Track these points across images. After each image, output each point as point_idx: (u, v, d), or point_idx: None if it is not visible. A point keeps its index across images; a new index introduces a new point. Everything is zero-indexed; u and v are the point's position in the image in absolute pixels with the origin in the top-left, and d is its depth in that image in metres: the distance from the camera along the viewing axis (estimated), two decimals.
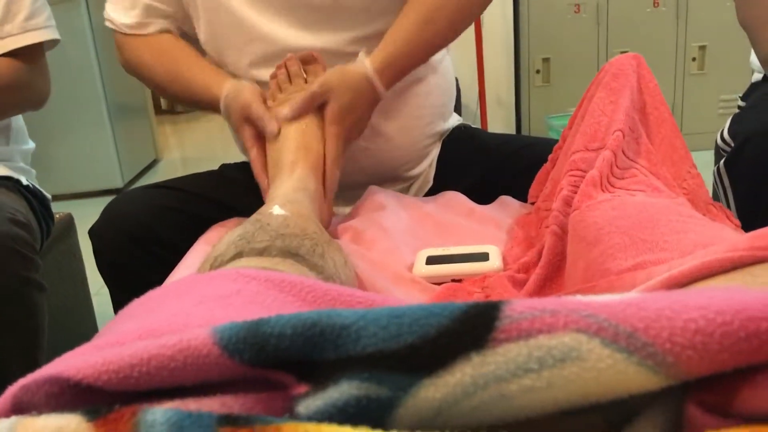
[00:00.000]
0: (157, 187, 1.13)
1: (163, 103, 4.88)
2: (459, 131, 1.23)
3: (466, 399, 0.29)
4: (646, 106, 0.91)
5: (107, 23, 1.18)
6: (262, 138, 1.00)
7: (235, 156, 1.24)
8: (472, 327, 0.30)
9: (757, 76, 1.35)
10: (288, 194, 0.87)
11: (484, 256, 0.87)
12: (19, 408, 0.32)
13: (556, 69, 3.09)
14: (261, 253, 0.66)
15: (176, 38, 1.16)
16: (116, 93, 3.36)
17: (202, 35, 1.13)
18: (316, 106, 0.98)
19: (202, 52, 1.15)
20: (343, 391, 0.29)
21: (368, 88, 0.99)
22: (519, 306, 0.30)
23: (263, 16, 1.07)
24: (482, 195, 1.09)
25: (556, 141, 1.01)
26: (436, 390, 0.29)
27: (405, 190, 1.18)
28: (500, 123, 3.37)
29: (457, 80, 1.50)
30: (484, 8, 1.07)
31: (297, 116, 0.97)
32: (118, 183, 3.36)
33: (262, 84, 1.11)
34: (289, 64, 1.04)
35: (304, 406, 0.30)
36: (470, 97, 3.23)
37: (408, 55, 1.01)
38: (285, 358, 0.31)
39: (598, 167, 0.80)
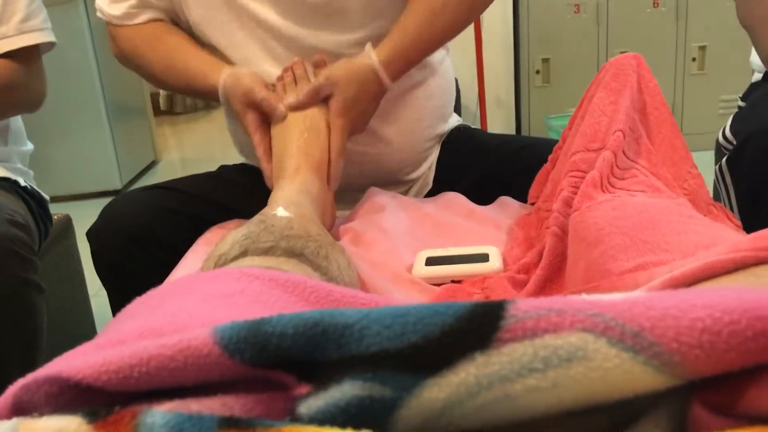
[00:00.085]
0: (155, 189, 1.12)
1: (162, 104, 4.88)
2: (458, 132, 1.22)
3: (470, 399, 0.29)
4: (647, 106, 0.91)
5: (98, 14, 1.17)
6: (265, 123, 1.00)
7: (234, 157, 1.24)
8: (476, 326, 0.30)
9: (757, 76, 1.35)
10: (291, 197, 0.87)
11: (483, 257, 0.86)
12: (20, 408, 0.32)
13: (555, 69, 3.09)
14: (266, 252, 0.66)
15: (169, 26, 1.14)
16: (115, 94, 3.36)
17: (197, 28, 1.12)
18: (321, 98, 0.98)
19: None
20: (345, 391, 0.29)
21: (374, 80, 0.99)
22: (524, 305, 0.30)
23: (261, 12, 1.06)
24: (482, 195, 1.09)
25: (556, 141, 1.00)
26: (440, 390, 0.29)
27: (405, 193, 1.17)
28: (500, 123, 3.37)
29: (456, 81, 1.50)
30: (487, 4, 1.07)
31: (301, 107, 0.97)
32: (117, 184, 3.35)
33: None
34: (295, 67, 1.03)
35: (306, 407, 0.30)
36: (470, 98, 3.23)
37: (414, 48, 1.01)
38: (286, 358, 0.30)
39: (599, 168, 0.80)
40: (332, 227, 0.98)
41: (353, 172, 1.05)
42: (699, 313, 0.29)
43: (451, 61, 1.25)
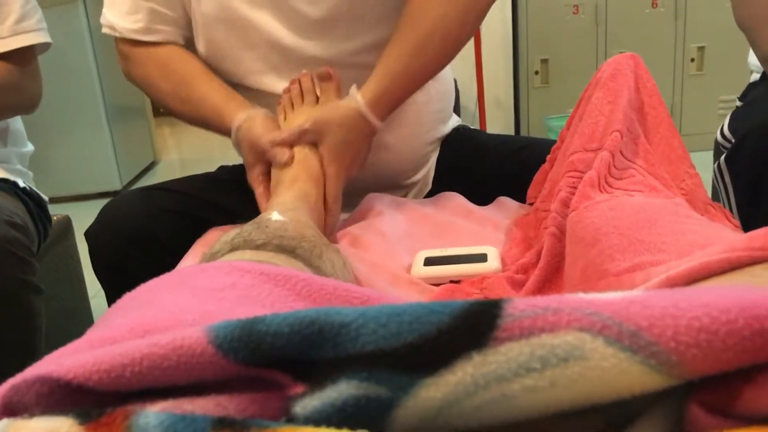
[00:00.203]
0: (153, 189, 1.12)
1: None
2: (458, 132, 1.22)
3: (467, 399, 0.29)
4: (644, 106, 0.91)
5: (106, 30, 1.14)
6: (269, 176, 0.99)
7: (233, 158, 1.24)
8: (473, 325, 0.29)
9: (755, 76, 1.35)
10: (287, 203, 0.87)
11: (482, 257, 0.86)
12: (10, 408, 0.32)
13: (554, 70, 3.09)
14: (257, 248, 0.65)
15: (183, 51, 1.12)
16: (114, 95, 3.36)
17: (200, 44, 1.11)
18: (306, 142, 0.96)
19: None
20: (341, 390, 0.29)
21: (362, 122, 0.97)
22: (521, 304, 0.30)
23: (261, 22, 1.06)
24: (481, 196, 1.08)
25: (555, 142, 1.00)
26: (436, 389, 0.29)
27: (404, 195, 1.17)
28: (499, 124, 3.37)
29: (455, 81, 1.50)
30: (471, 36, 1.05)
31: (284, 144, 0.95)
32: (116, 185, 3.35)
33: (259, 93, 1.10)
34: (303, 79, 1.03)
35: (301, 407, 0.30)
36: (469, 99, 3.23)
37: (399, 86, 1.00)
38: (281, 357, 0.30)
39: (596, 168, 0.80)
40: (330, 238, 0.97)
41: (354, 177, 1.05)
42: (696, 312, 0.28)
43: (450, 63, 1.24)
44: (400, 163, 1.14)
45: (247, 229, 0.70)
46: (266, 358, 0.30)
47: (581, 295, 0.31)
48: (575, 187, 0.80)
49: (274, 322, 0.30)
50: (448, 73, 1.21)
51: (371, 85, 0.98)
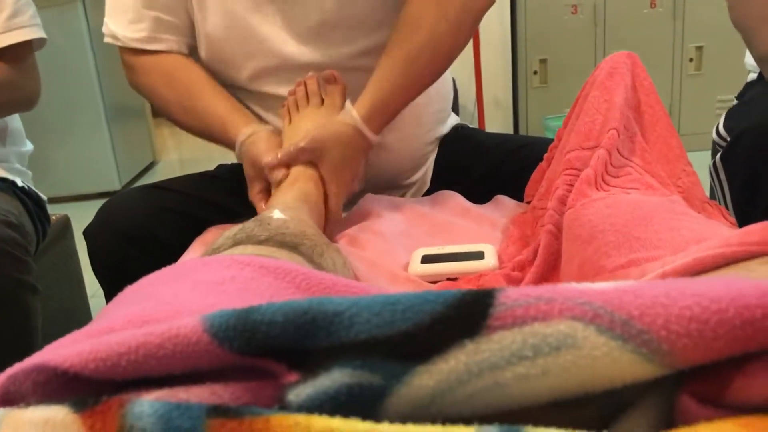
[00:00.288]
0: (152, 188, 1.12)
1: None
2: (456, 131, 1.22)
3: (460, 387, 0.29)
4: (641, 104, 0.91)
5: (108, 40, 1.13)
6: (269, 193, 0.99)
7: (232, 158, 1.24)
8: (466, 314, 0.30)
9: (752, 76, 1.36)
10: (288, 202, 0.88)
11: (479, 255, 0.86)
12: (7, 398, 0.32)
13: (553, 70, 3.09)
14: (260, 243, 0.66)
15: (189, 61, 1.11)
16: (114, 95, 3.36)
17: (203, 51, 1.11)
18: (303, 161, 0.96)
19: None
20: (335, 379, 0.29)
21: (358, 137, 0.98)
22: (514, 293, 0.30)
23: (263, 28, 1.06)
24: (479, 194, 1.09)
25: (553, 141, 1.00)
26: (429, 377, 0.29)
27: (403, 195, 1.17)
28: (498, 124, 3.37)
29: (454, 81, 1.50)
30: (464, 46, 1.05)
31: (281, 166, 0.95)
32: (116, 185, 3.35)
33: (261, 95, 1.11)
34: (308, 82, 1.03)
35: (295, 395, 0.30)
36: (468, 98, 3.23)
37: (393, 99, 1.00)
38: (276, 346, 0.30)
39: (593, 166, 0.80)
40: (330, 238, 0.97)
41: None
42: (687, 301, 0.29)
43: None
44: (399, 164, 1.14)
45: (250, 225, 0.70)
46: (261, 347, 0.30)
47: (573, 285, 0.31)
48: (572, 185, 0.80)
49: (268, 312, 0.30)
50: (446, 73, 1.21)
51: (365, 99, 0.98)
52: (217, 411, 0.28)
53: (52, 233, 1.49)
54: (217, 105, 1.06)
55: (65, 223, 1.63)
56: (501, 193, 1.09)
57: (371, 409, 0.29)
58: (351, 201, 1.08)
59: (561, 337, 0.29)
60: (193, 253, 0.97)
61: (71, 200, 3.26)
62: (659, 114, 0.91)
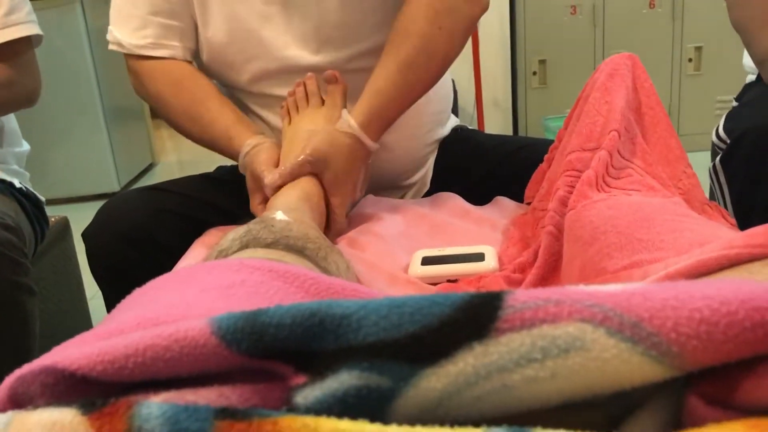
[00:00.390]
0: (151, 190, 1.12)
1: None
2: (456, 133, 1.22)
3: (467, 389, 0.29)
4: (642, 106, 0.91)
5: (113, 47, 1.13)
6: None
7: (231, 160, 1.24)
8: (474, 316, 0.29)
9: (751, 77, 1.36)
10: (290, 203, 0.88)
11: (479, 257, 0.86)
12: (16, 399, 0.32)
13: (552, 71, 3.09)
14: (267, 246, 0.66)
15: (196, 72, 1.12)
16: (112, 97, 3.36)
17: (204, 54, 1.11)
18: (305, 173, 0.96)
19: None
20: (342, 381, 0.29)
21: (358, 146, 0.98)
22: (522, 296, 0.30)
23: (264, 31, 1.06)
24: (479, 196, 1.09)
25: (553, 142, 1.01)
26: (437, 380, 0.29)
27: (402, 196, 1.17)
28: (497, 125, 3.37)
29: (453, 82, 1.50)
30: (460, 52, 1.05)
31: (284, 182, 0.95)
32: (115, 187, 3.35)
33: (260, 96, 1.11)
34: (307, 82, 1.03)
35: (303, 397, 0.30)
36: (467, 100, 3.24)
37: (389, 106, 1.00)
38: (283, 348, 0.30)
39: (594, 167, 0.80)
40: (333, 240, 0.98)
41: None
42: (697, 303, 0.29)
43: None
44: (399, 164, 1.14)
45: (255, 227, 0.70)
46: (269, 350, 0.30)
47: (582, 287, 0.31)
48: (573, 187, 0.80)
49: (276, 314, 0.30)
50: (446, 75, 1.21)
51: (362, 107, 0.98)
52: (225, 413, 0.28)
53: (51, 235, 1.48)
54: (223, 117, 1.07)
55: (64, 225, 1.63)
56: (501, 195, 1.09)
57: (379, 411, 0.29)
58: (352, 206, 1.08)
59: (570, 339, 0.29)
60: (193, 254, 0.97)
61: (70, 202, 3.25)
62: (660, 115, 0.91)
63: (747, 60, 1.32)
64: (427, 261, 0.87)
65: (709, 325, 0.28)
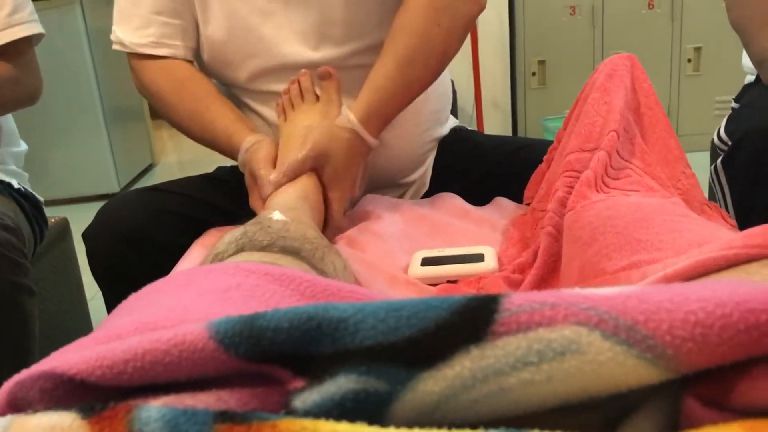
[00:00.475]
0: (151, 190, 1.12)
1: None
2: (455, 133, 1.23)
3: (465, 392, 0.29)
4: (641, 106, 0.91)
5: (116, 47, 1.14)
6: None
7: (230, 160, 1.24)
8: (471, 320, 0.30)
9: (750, 78, 1.36)
10: (289, 202, 0.88)
11: (479, 257, 0.86)
12: (14, 404, 0.32)
13: (551, 71, 3.09)
14: (263, 249, 0.66)
15: (198, 72, 1.13)
16: (112, 97, 3.36)
17: (204, 52, 1.11)
18: (307, 170, 0.96)
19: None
20: (340, 385, 0.29)
21: (358, 142, 0.98)
22: (518, 299, 0.30)
23: (264, 29, 1.06)
24: (478, 196, 1.09)
25: (552, 142, 1.01)
26: (434, 383, 0.29)
27: (401, 195, 1.17)
28: (496, 125, 3.37)
29: (452, 83, 1.50)
30: (458, 49, 1.06)
31: (287, 181, 0.95)
32: (115, 187, 3.35)
33: (258, 93, 1.11)
34: (302, 79, 1.04)
35: (301, 401, 0.30)
36: (466, 100, 3.24)
37: (388, 102, 1.00)
38: (281, 352, 0.30)
39: (593, 168, 0.80)
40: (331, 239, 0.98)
41: None
42: (692, 306, 0.29)
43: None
44: (398, 162, 1.14)
45: (251, 229, 0.70)
46: (267, 353, 0.30)
47: (578, 290, 0.31)
48: (572, 187, 0.81)
49: (274, 318, 0.30)
50: (445, 75, 1.21)
51: (361, 103, 0.99)
52: (224, 416, 0.28)
53: (50, 236, 1.49)
54: (224, 116, 1.07)
55: (64, 226, 1.63)
56: (500, 195, 1.09)
57: (377, 414, 0.29)
58: (351, 204, 1.08)
59: (566, 342, 0.29)
60: (192, 255, 0.97)
61: (70, 202, 3.25)
62: (659, 116, 0.91)
63: (746, 60, 1.32)
64: (426, 262, 0.87)
65: (703, 327, 0.28)
